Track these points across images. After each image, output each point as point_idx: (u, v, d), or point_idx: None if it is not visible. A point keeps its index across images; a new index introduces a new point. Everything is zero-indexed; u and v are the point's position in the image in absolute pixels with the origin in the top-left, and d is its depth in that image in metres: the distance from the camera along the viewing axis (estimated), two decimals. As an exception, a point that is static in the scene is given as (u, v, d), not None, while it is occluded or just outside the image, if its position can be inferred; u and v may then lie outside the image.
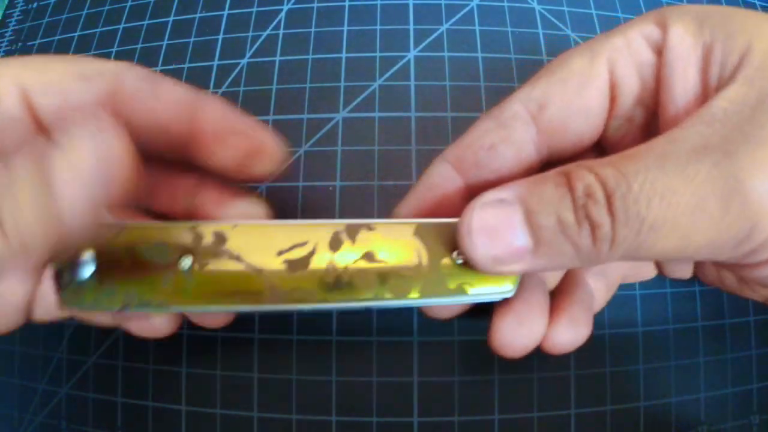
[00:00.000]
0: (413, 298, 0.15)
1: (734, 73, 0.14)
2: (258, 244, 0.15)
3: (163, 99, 0.16)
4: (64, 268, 0.15)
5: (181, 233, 0.15)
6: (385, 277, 0.15)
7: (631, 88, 0.16)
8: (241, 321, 0.23)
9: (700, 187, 0.12)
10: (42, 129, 0.16)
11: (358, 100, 0.26)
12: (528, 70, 0.26)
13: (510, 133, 0.17)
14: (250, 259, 0.15)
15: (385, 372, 0.22)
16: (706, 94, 0.15)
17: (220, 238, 0.15)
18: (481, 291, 0.16)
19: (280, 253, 0.15)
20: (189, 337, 0.23)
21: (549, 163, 0.18)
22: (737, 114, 0.13)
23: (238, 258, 0.15)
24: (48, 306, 0.19)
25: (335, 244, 0.15)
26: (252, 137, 0.17)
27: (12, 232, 0.12)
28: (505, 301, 0.17)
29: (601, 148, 0.18)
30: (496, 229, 0.14)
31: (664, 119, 0.16)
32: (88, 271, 0.15)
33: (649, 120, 0.17)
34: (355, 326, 0.23)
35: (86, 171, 0.13)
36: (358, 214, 0.24)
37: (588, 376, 0.22)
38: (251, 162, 0.16)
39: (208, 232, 0.15)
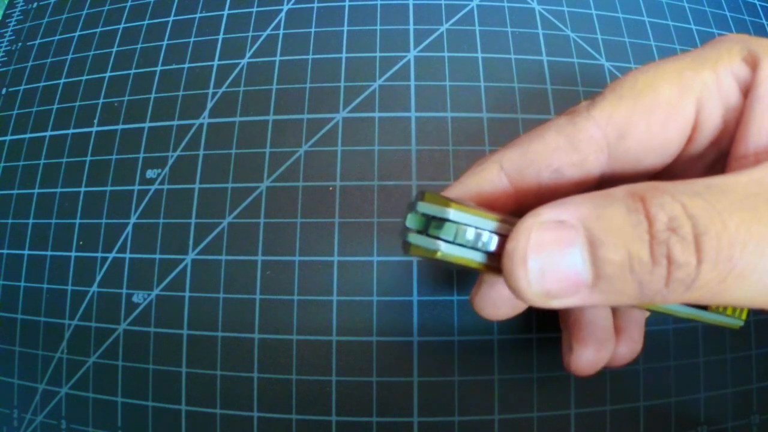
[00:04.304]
0: None
1: None
2: None
3: None
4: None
5: None
6: None
7: (712, 130, 0.15)
8: (242, 322, 0.23)
9: None
10: None
11: (358, 100, 0.26)
12: (528, 70, 0.26)
13: (582, 158, 0.15)
14: None
15: (385, 372, 0.22)
16: None
17: None
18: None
19: None
20: (189, 337, 0.23)
21: (600, 183, 0.17)
22: None
23: None
24: None
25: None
26: None
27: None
28: (580, 326, 0.18)
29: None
30: (552, 258, 0.12)
31: (733, 156, 0.15)
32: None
33: (716, 159, 0.16)
34: (355, 326, 0.23)
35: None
36: (358, 214, 0.24)
37: (588, 376, 0.22)
38: None
39: None
